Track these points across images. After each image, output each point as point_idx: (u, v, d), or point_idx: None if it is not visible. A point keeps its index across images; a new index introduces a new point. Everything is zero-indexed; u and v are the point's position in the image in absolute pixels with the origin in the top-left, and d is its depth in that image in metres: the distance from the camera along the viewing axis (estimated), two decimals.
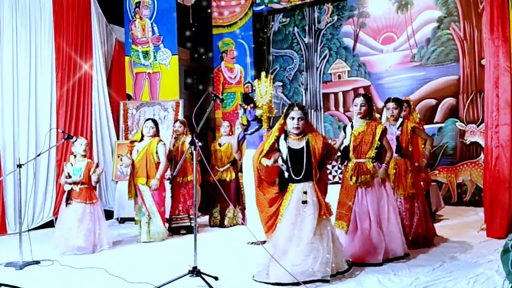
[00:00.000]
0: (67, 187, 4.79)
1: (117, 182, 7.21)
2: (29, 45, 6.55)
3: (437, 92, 7.67)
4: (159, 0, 8.05)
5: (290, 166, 3.45)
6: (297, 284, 3.23)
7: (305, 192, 3.41)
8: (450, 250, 4.28)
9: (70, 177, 4.79)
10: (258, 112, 4.97)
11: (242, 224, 6.03)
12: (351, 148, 4.01)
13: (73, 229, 4.67)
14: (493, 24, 4.85)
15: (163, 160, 5.31)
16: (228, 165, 6.33)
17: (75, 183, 4.76)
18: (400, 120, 4.63)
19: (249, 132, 5.18)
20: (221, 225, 6.23)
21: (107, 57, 8.00)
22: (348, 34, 8.44)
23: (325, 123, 8.63)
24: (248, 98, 5.31)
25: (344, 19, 8.48)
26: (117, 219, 6.99)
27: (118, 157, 7.32)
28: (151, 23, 8.09)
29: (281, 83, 9.06)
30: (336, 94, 8.58)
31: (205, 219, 6.58)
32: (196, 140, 3.51)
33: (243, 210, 6.13)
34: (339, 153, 4.31)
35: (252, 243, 4.78)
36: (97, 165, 4.95)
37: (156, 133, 5.42)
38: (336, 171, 6.31)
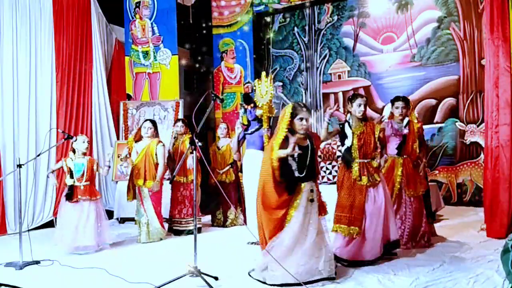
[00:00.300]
0: (69, 181, 4.77)
1: (117, 182, 7.21)
2: (29, 45, 6.55)
3: (437, 92, 7.67)
4: (159, 0, 8.06)
5: (297, 165, 3.44)
6: (301, 284, 3.21)
7: (311, 190, 3.42)
8: (450, 250, 4.28)
9: (71, 172, 4.79)
10: (258, 112, 4.97)
11: (242, 225, 6.04)
12: (355, 148, 3.98)
13: (79, 228, 4.67)
14: (493, 24, 4.85)
15: (162, 161, 5.29)
16: (227, 167, 6.34)
17: (78, 179, 4.78)
18: (407, 119, 4.64)
19: (249, 131, 5.18)
20: (224, 226, 6.27)
21: (107, 57, 8.00)
22: (348, 34, 8.45)
23: None
24: (248, 98, 5.31)
25: (344, 19, 8.48)
26: (117, 219, 6.99)
27: (118, 156, 7.32)
28: (151, 23, 8.09)
29: (281, 83, 9.06)
30: (336, 94, 8.58)
31: (206, 218, 6.57)
32: (196, 140, 3.51)
33: (244, 211, 6.13)
34: (338, 155, 4.30)
35: (252, 243, 4.78)
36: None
37: (155, 134, 5.40)
38: (336, 171, 6.31)
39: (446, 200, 7.09)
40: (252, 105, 5.13)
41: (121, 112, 7.72)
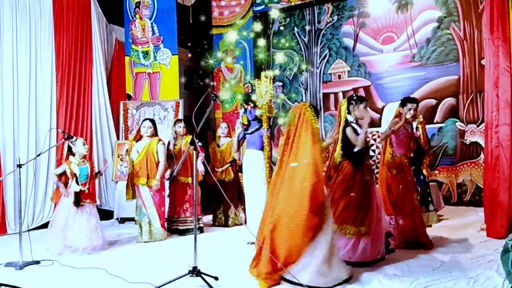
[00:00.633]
0: (76, 188, 4.75)
1: (117, 182, 7.21)
2: (29, 45, 6.56)
3: (437, 92, 7.67)
4: (159, 0, 8.06)
5: None
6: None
7: None
8: (450, 250, 4.28)
9: (76, 177, 4.78)
10: (258, 112, 4.96)
11: (241, 224, 6.04)
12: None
13: (85, 231, 4.70)
14: (493, 24, 4.85)
15: (162, 160, 5.33)
16: (227, 166, 6.34)
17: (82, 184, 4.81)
18: (416, 120, 4.69)
19: (249, 131, 5.18)
20: (226, 225, 6.28)
21: (107, 57, 8.00)
22: (348, 34, 8.44)
23: (325, 123, 8.62)
24: (248, 98, 5.31)
25: (344, 19, 8.48)
26: (117, 219, 6.99)
27: (118, 157, 7.32)
28: (151, 23, 8.09)
29: (281, 83, 9.06)
30: (336, 94, 8.58)
31: (208, 218, 6.57)
32: (196, 140, 3.51)
33: (244, 210, 6.14)
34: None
35: (252, 243, 4.77)
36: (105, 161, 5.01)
37: (155, 133, 5.42)
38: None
39: (446, 200, 7.09)
40: (252, 105, 5.13)
41: (121, 112, 7.72)
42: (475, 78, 7.37)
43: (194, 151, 3.55)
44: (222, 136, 6.49)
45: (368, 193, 3.91)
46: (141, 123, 5.46)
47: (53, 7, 6.83)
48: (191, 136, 5.65)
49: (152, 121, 5.46)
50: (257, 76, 6.88)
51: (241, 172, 5.42)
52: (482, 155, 6.75)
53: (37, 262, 4.26)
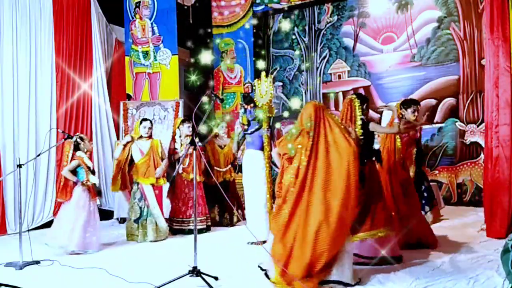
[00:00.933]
0: (95, 180, 4.84)
1: None
2: (29, 45, 6.55)
3: (437, 92, 7.67)
4: (159, 0, 8.05)
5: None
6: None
7: None
8: (450, 250, 4.28)
9: (93, 172, 4.86)
10: (258, 112, 4.96)
11: (240, 224, 6.04)
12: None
13: (91, 226, 4.77)
14: (493, 24, 4.85)
15: (166, 158, 5.51)
16: (229, 166, 6.37)
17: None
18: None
19: (249, 131, 5.18)
20: (232, 224, 6.30)
21: (107, 57, 8.00)
22: (348, 34, 8.44)
23: None
24: (248, 98, 5.31)
25: (344, 19, 8.48)
26: (117, 219, 6.99)
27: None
28: (151, 23, 8.08)
29: (281, 83, 9.05)
30: (336, 94, 8.57)
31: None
32: (196, 140, 3.52)
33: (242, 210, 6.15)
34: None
35: (252, 243, 4.78)
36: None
37: (151, 134, 5.53)
38: None
39: (446, 200, 7.09)
40: (252, 105, 5.13)
41: (121, 112, 7.72)
42: (475, 78, 7.37)
43: (194, 151, 3.56)
44: (222, 133, 6.51)
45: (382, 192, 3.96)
46: (141, 123, 5.48)
47: (53, 7, 6.83)
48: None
49: (151, 122, 5.54)
50: (257, 76, 6.88)
51: (241, 172, 5.42)
52: (482, 155, 6.75)
53: (37, 262, 4.26)
